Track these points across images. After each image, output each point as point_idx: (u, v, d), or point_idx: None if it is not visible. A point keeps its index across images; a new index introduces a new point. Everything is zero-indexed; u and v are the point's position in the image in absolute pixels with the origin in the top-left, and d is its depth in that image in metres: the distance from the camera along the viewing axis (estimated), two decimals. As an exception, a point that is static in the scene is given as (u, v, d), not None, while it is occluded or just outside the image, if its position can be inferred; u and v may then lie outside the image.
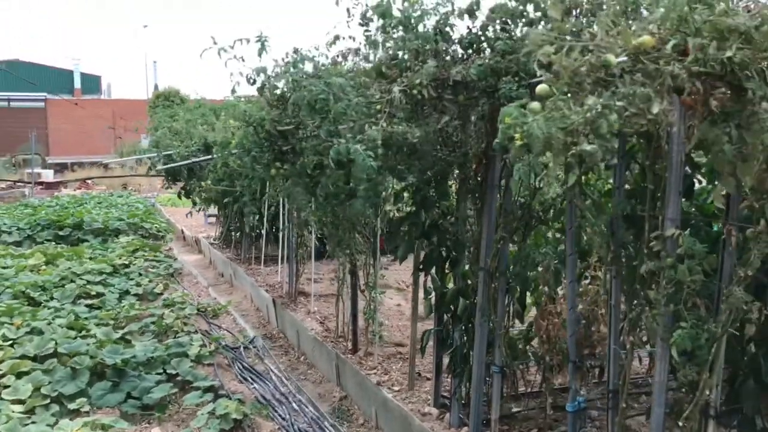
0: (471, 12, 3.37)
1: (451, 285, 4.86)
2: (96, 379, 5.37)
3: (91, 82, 58.91)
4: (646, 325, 3.01)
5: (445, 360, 5.02)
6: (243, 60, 3.67)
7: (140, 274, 9.74)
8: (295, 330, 7.78)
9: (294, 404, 5.56)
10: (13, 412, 4.71)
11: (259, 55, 3.72)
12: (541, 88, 2.02)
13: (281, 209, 8.93)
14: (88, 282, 8.68)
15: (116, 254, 10.77)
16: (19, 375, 5.24)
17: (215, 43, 3.64)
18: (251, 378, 6.08)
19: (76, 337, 6.03)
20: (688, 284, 2.81)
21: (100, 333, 6.15)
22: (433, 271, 4.96)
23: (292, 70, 3.37)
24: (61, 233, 13.00)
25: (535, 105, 1.94)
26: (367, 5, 3.61)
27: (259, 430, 4.90)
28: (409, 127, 3.06)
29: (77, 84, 56.58)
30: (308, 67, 3.62)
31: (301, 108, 3.09)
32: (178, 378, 5.65)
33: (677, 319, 2.87)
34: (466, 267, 4.66)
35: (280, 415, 5.27)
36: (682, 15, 2.04)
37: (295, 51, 3.46)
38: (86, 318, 6.89)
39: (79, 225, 13.37)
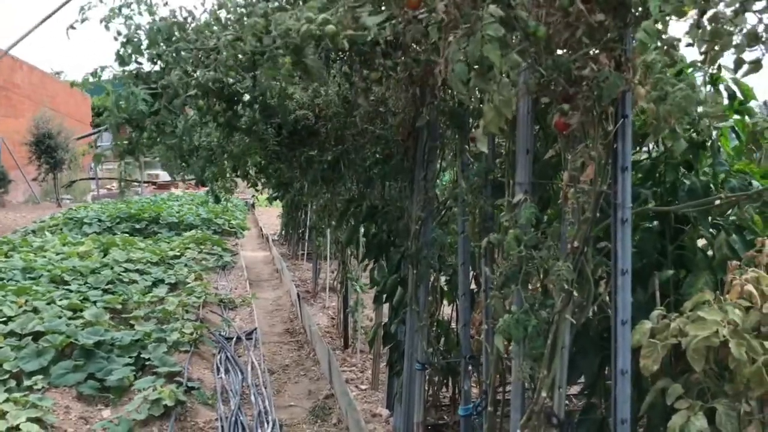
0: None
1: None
2: (62, 359, 5.38)
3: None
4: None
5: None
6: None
7: (185, 266, 9.89)
8: (309, 325, 7.56)
9: (253, 397, 5.30)
10: (-32, 384, 4.78)
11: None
12: None
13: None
14: (126, 270, 8.89)
15: (172, 245, 11.03)
16: (-10, 349, 5.35)
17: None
18: (228, 369, 5.89)
19: (62, 317, 6.10)
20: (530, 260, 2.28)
21: (89, 315, 6.20)
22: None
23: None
24: (137, 226, 13.58)
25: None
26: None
27: (194, 417, 4.69)
28: (241, 77, 2.69)
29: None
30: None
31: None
32: (148, 363, 5.56)
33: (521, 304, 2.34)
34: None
35: (230, 407, 5.03)
36: None
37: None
38: (95, 301, 7.00)
39: (155, 219, 13.91)
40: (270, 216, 19.26)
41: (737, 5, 1.22)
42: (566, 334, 2.23)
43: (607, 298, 2.22)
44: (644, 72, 1.47)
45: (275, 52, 1.76)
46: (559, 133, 1.94)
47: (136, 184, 25.56)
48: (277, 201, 13.50)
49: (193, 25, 3.14)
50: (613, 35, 1.71)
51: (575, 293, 2.15)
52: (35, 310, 6.37)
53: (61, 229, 13.23)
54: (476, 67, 1.67)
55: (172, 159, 3.24)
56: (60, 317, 6.08)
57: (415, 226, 3.73)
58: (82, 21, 2.81)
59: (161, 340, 5.93)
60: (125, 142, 3.46)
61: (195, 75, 2.61)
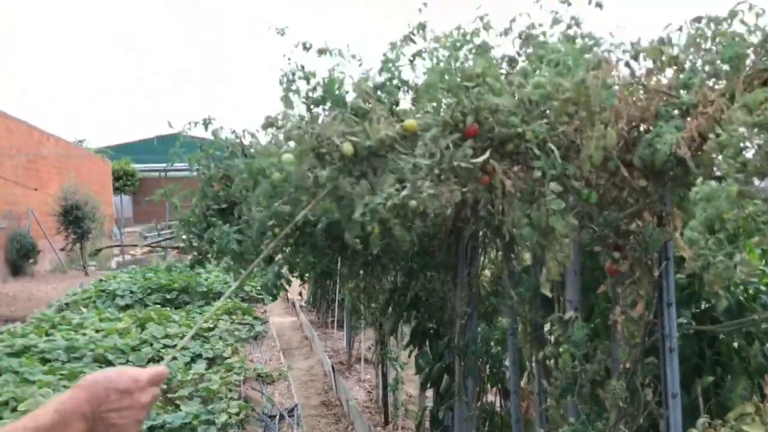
0: (384, 87, 3.33)
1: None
2: (119, 445, 5.60)
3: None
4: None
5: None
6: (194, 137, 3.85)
7: (220, 338, 10.14)
8: (346, 398, 7.74)
9: (302, 478, 5.49)
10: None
11: (214, 137, 3.90)
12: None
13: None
14: (165, 346, 9.15)
15: (204, 317, 11.30)
16: (51, 438, 5.59)
17: (171, 126, 3.86)
18: (274, 448, 6.10)
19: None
20: (584, 374, 2.54)
21: (139, 398, 6.44)
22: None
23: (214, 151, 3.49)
24: (168, 296, 13.88)
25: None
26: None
27: (249, 504, 4.88)
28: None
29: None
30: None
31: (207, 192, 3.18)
32: (200, 446, 5.78)
33: (577, 414, 2.59)
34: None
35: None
36: (457, 96, 1.91)
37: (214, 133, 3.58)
38: (141, 382, 7.23)
39: (185, 289, 14.22)
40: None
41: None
42: (621, 443, 2.47)
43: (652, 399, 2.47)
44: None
45: (364, 221, 2.07)
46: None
47: (160, 249, 25.98)
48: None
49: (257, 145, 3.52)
50: (654, 198, 2.00)
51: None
52: (87, 395, 6.62)
53: (94, 302, 13.55)
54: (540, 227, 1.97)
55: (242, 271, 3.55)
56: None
57: (461, 321, 3.99)
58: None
59: (210, 423, 6.15)
60: (196, 254, 3.79)
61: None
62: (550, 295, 2.48)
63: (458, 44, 2.18)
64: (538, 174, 1.89)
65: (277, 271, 3.27)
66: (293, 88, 2.53)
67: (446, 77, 1.94)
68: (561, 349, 2.57)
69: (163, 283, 14.39)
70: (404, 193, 1.99)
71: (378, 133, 1.89)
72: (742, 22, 2.19)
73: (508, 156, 1.98)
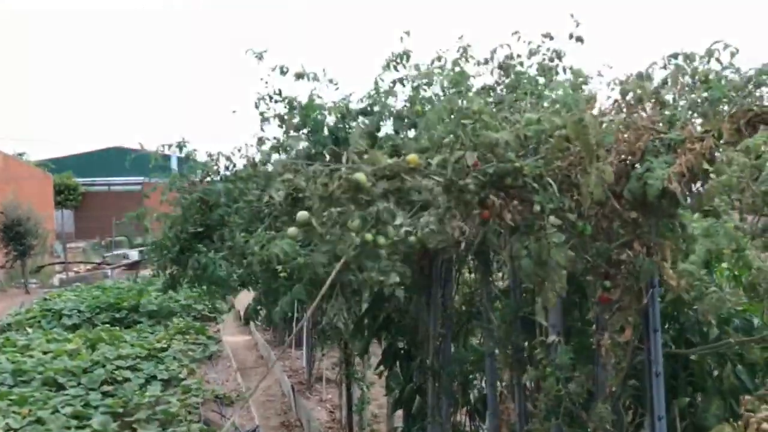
0: (367, 112, 3.37)
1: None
2: (77, 473, 5.45)
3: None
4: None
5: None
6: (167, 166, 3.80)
7: (174, 358, 9.93)
8: (307, 419, 7.67)
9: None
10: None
11: (188, 158, 3.87)
12: (301, 215, 2.00)
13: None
14: (118, 367, 8.92)
15: (157, 337, 11.06)
16: (3, 468, 5.40)
17: (142, 147, 3.82)
18: (238, 472, 6.01)
19: (71, 428, 6.17)
20: (569, 397, 2.61)
21: (97, 423, 6.27)
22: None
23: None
24: (117, 315, 13.53)
25: (293, 231, 1.93)
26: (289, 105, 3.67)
27: None
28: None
29: (174, 167, 59.86)
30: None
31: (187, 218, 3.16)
32: (160, 471, 5.66)
33: (561, 436, 2.65)
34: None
35: None
36: (453, 132, 1.96)
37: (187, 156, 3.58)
38: (96, 406, 7.05)
39: (135, 307, 13.88)
40: (247, 295, 19.27)
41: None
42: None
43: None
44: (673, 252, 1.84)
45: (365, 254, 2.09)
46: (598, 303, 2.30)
47: (106, 266, 25.33)
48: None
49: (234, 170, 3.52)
50: (645, 229, 2.08)
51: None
52: (40, 421, 6.41)
53: (39, 322, 13.09)
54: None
55: (218, 297, 3.54)
56: (68, 428, 6.14)
57: (436, 342, 4.03)
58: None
59: (171, 447, 6.03)
60: (168, 278, 3.74)
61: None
62: (545, 323, 2.54)
63: (456, 85, 2.24)
64: (537, 208, 1.95)
65: (258, 297, 3.25)
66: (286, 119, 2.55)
67: (444, 117, 1.99)
68: (546, 372, 2.64)
69: (112, 301, 14.03)
70: (404, 229, 2.03)
71: (385, 161, 1.93)
72: (718, 60, 2.32)
73: (505, 190, 2.03)
